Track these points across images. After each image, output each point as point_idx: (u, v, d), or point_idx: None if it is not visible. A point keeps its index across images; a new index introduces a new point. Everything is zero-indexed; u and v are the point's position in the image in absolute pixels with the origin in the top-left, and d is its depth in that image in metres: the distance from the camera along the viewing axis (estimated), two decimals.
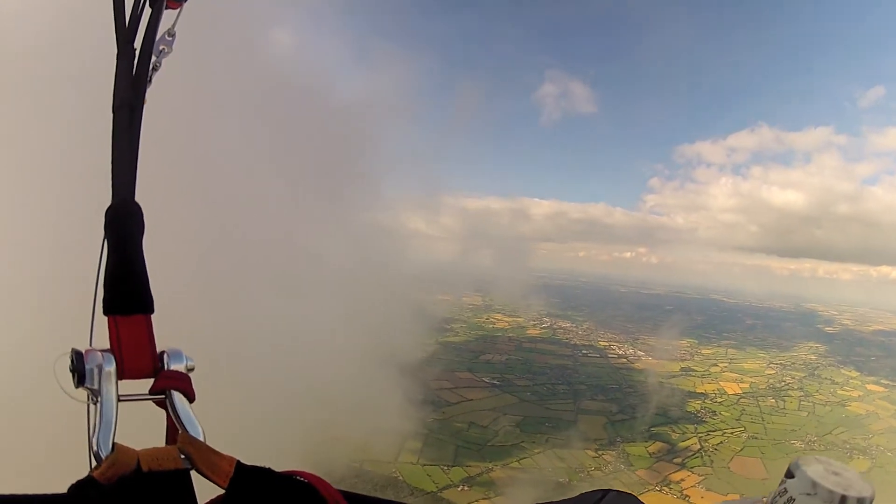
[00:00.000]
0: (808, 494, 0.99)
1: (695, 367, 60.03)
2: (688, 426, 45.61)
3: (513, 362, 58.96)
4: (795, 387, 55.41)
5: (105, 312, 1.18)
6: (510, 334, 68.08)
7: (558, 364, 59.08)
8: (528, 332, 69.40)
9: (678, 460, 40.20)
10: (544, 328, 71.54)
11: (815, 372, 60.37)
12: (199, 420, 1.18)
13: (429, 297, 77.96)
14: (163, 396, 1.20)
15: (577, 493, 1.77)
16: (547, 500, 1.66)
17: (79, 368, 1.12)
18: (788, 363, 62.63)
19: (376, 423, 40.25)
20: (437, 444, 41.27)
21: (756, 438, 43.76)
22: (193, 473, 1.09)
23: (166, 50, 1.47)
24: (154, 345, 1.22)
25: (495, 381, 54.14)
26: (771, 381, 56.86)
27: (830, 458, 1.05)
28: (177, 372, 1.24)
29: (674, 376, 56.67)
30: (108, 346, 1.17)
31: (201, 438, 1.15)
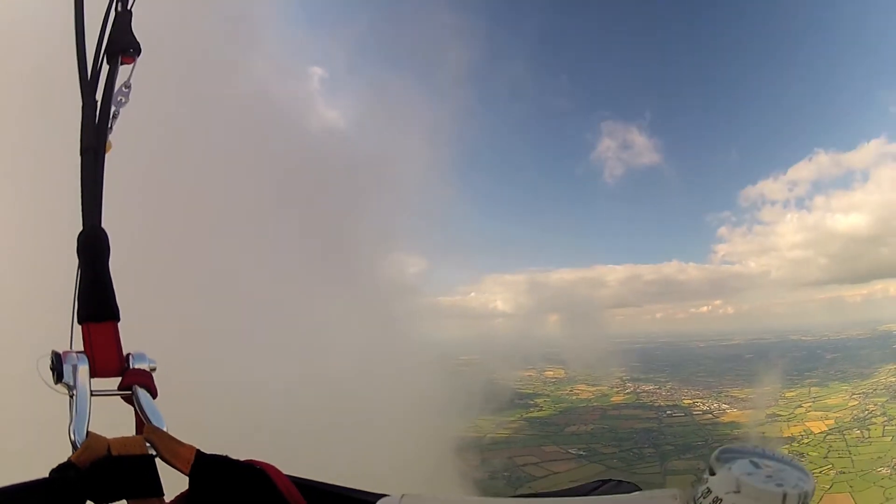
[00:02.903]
0: (735, 492, 0.87)
1: (780, 412, 57.52)
2: None
3: (598, 431, 58.62)
4: (878, 413, 51.93)
5: (79, 321, 1.40)
6: (594, 403, 67.33)
7: (643, 427, 58.28)
8: (612, 399, 68.32)
9: None
10: (628, 393, 69.78)
11: None
12: (163, 413, 1.38)
13: (512, 374, 77.67)
14: (129, 392, 1.41)
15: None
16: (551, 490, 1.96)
17: (57, 367, 1.31)
18: (870, 391, 58.58)
19: None
20: None
21: (844, 473, 41.47)
22: (159, 461, 1.30)
23: (123, 100, 1.63)
24: (121, 347, 1.43)
25: (581, 452, 53.98)
26: (855, 412, 53.77)
27: (759, 446, 0.96)
28: (141, 370, 1.44)
29: (760, 425, 54.91)
30: (82, 348, 1.38)
31: (164, 429, 1.35)
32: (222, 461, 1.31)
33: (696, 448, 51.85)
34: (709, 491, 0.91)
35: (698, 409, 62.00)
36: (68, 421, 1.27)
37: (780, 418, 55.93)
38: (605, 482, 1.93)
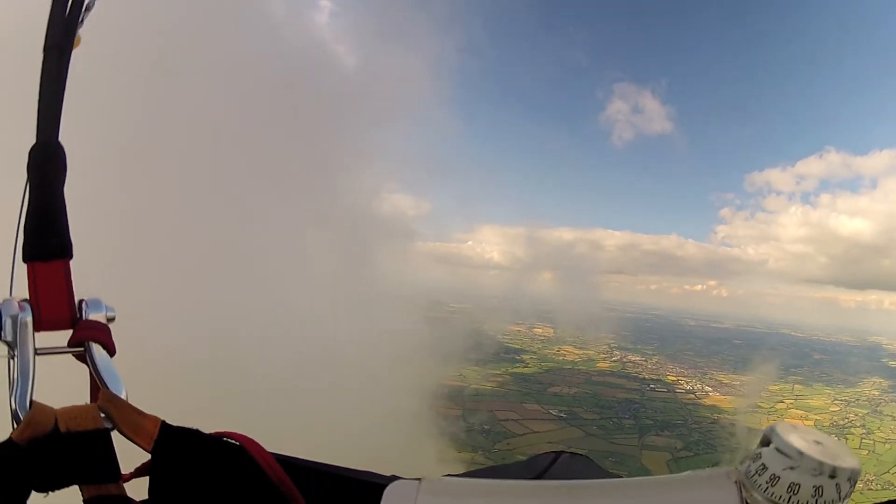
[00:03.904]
0: (791, 468, 0.84)
1: (761, 404, 58.81)
2: None
3: (581, 395, 59.50)
4: (858, 424, 53.39)
5: (24, 259, 1.14)
6: (580, 367, 68.36)
7: (626, 398, 59.43)
8: (598, 365, 69.52)
9: None
10: (614, 361, 71.39)
11: (878, 408, 57.65)
12: (123, 376, 1.12)
13: (501, 326, 78.81)
14: (81, 349, 1.15)
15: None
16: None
17: None
18: (853, 399, 60.25)
19: (438, 454, 41.36)
20: None
21: None
22: (116, 434, 1.07)
23: None
24: (72, 293, 1.16)
25: (562, 414, 54.89)
26: (835, 418, 54.93)
27: (809, 427, 0.93)
28: (96, 322, 1.18)
29: (740, 413, 55.81)
30: (26, 295, 1.12)
31: (123, 396, 1.11)
32: (192, 434, 1.13)
33: (674, 426, 53.35)
34: (764, 467, 0.88)
35: (682, 387, 63.19)
36: (8, 387, 1.06)
37: (760, 410, 57.27)
38: (558, 454, 1.88)
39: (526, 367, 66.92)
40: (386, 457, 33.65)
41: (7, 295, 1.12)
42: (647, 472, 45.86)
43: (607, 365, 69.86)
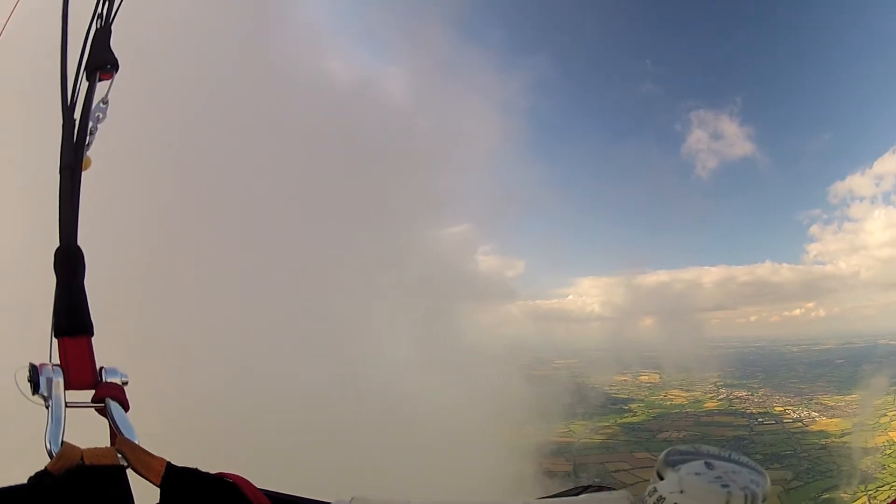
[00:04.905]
0: (680, 492, 0.87)
1: (866, 421, 56.03)
2: (859, 486, 44.61)
3: (690, 438, 58.08)
4: None
5: (55, 336, 1.46)
6: (687, 409, 67.84)
7: (735, 435, 58.59)
8: (705, 405, 68.45)
9: None
10: (721, 400, 69.57)
11: None
12: (135, 426, 1.40)
13: (606, 378, 78.52)
14: (102, 404, 1.47)
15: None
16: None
17: (34, 379, 1.37)
18: None
19: None
20: None
21: None
22: (131, 472, 1.32)
23: (101, 116, 1.66)
24: (94, 361, 1.48)
25: None
26: None
27: (712, 447, 0.96)
28: (113, 384, 1.48)
29: (845, 433, 54.14)
30: (59, 361, 1.44)
31: (136, 441, 1.39)
32: (192, 473, 1.36)
33: (784, 457, 52.36)
34: (654, 490, 0.94)
35: (789, 416, 61.61)
36: (44, 430, 1.34)
37: (865, 427, 54.92)
38: (586, 487, 2.07)
39: (634, 415, 67.25)
40: None
41: (45, 360, 1.46)
42: None
43: (714, 404, 68.46)
